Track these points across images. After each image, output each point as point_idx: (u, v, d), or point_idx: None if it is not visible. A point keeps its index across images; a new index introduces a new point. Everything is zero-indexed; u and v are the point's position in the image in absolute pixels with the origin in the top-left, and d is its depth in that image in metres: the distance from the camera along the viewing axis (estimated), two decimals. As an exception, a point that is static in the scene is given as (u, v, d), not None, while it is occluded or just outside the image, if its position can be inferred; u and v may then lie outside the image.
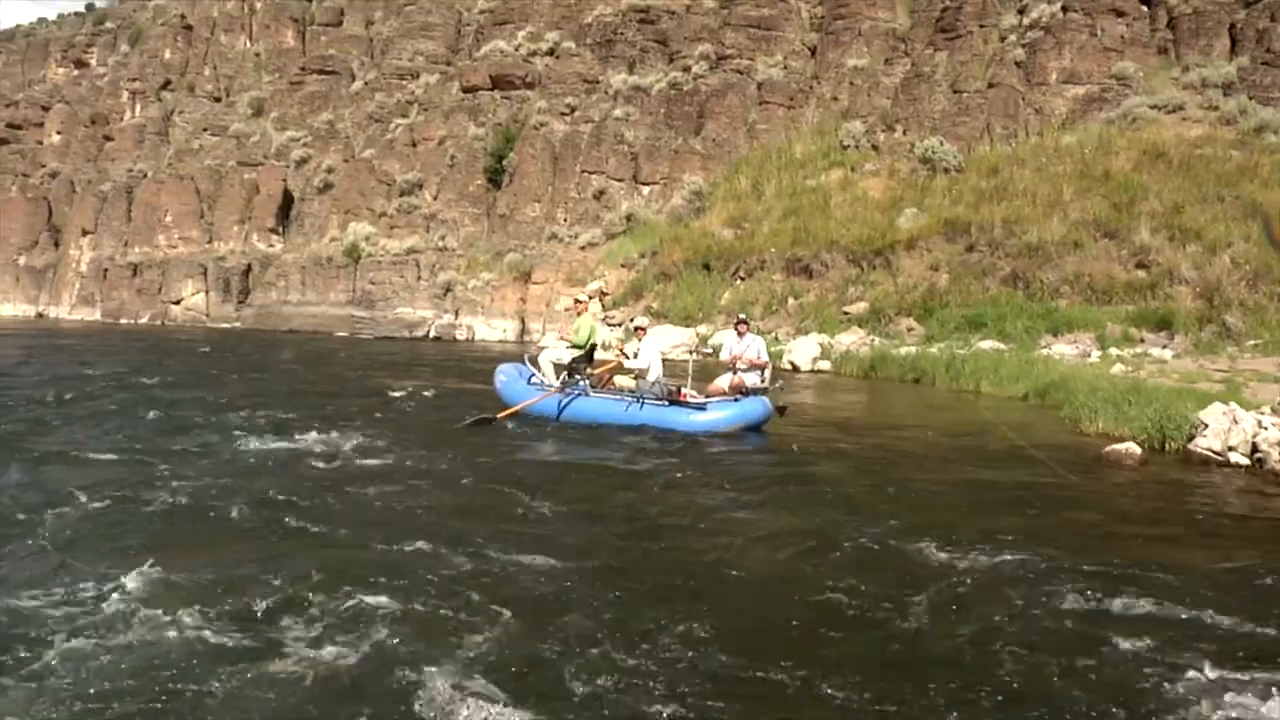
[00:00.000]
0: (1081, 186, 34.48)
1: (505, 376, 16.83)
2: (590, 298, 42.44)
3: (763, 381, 16.10)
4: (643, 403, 15.29)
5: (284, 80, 60.85)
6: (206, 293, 51.42)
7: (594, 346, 16.91)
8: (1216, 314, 28.04)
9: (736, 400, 15.41)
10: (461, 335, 44.32)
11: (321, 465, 11.54)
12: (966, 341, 29.51)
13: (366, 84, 58.08)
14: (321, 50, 60.78)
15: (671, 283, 39.83)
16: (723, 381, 16.11)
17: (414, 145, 52.57)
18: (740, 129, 47.47)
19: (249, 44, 63.56)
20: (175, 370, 24.09)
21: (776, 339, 33.45)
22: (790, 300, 35.75)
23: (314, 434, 13.35)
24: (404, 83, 56.52)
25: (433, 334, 44.75)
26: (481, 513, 9.31)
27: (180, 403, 17.14)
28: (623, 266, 43.40)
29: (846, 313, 33.72)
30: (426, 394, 20.06)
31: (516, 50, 53.50)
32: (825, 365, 29.51)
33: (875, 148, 43.17)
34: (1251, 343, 26.80)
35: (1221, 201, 32.08)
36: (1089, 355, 27.30)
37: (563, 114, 50.02)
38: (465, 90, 53.39)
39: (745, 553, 8.32)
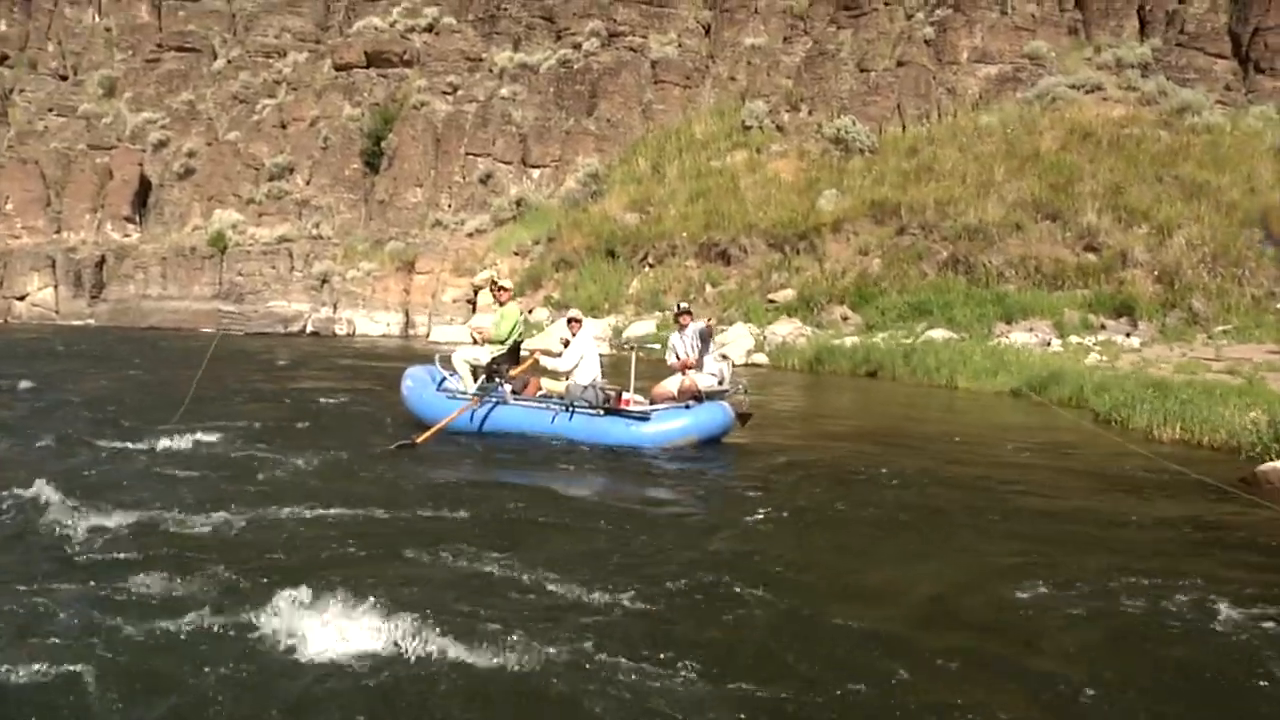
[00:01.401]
0: (1012, 167, 31.83)
1: (413, 382, 13.45)
2: (485, 288, 38.67)
3: (721, 383, 12.59)
4: (572, 412, 12.07)
5: (138, 58, 55.06)
6: (56, 287, 45.69)
7: (518, 344, 13.41)
8: (1179, 298, 25.54)
9: (688, 407, 12.11)
10: (342, 330, 39.99)
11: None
12: (911, 330, 26.60)
13: (230, 62, 52.86)
14: (179, 26, 55.11)
15: (573, 271, 36.23)
16: (671, 384, 12.57)
17: (283, 127, 47.81)
18: (635, 109, 43.94)
19: (97, 18, 57.39)
20: (19, 375, 19.58)
21: (697, 330, 30.01)
22: (709, 288, 32.34)
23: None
24: (270, 61, 51.56)
25: (310, 329, 40.30)
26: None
27: (44, 414, 13.01)
28: (516, 254, 39.67)
29: (772, 300, 30.45)
30: (340, 399, 16.29)
31: (392, 26, 49.02)
32: (761, 358, 26.25)
33: (780, 128, 40.04)
34: (1220, 328, 24.38)
35: (1160, 182, 29.76)
36: (1049, 343, 24.60)
37: (445, 93, 45.84)
38: (338, 68, 48.77)
39: None
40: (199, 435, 11.49)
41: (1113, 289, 26.61)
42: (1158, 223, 27.72)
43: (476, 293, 39.08)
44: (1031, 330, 25.42)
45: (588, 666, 4.92)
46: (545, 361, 12.85)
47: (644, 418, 11.85)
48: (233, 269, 43.31)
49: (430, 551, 6.86)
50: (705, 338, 12.56)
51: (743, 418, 12.58)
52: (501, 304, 13.50)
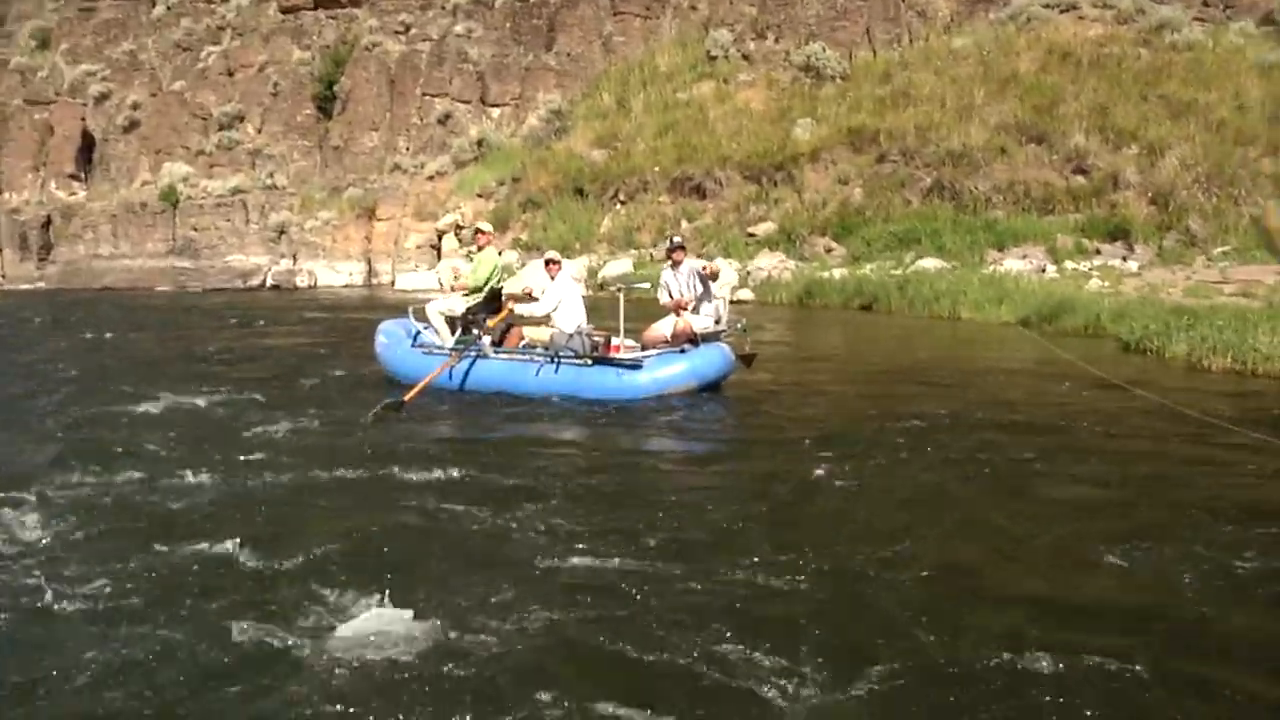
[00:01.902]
0: (991, 90, 30.66)
1: (386, 338, 12.44)
2: (450, 233, 37.26)
3: (718, 323, 11.50)
4: (558, 363, 11.03)
5: (72, 7, 52.46)
6: (0, 250, 43.76)
7: (498, 292, 12.30)
8: (1174, 220, 24.58)
9: (683, 351, 11.06)
10: (303, 282, 38.40)
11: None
12: (899, 261, 25.56)
13: (170, 9, 50.38)
14: (114, -28, 52.71)
15: (541, 211, 34.84)
16: (663, 327, 11.49)
17: (230, 74, 45.70)
18: (595, 42, 42.30)
19: (27, -34, 54.90)
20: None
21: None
22: (684, 223, 31.07)
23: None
24: (213, 6, 49.19)
25: (270, 282, 38.67)
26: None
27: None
28: (479, 197, 38.15)
29: (752, 234, 29.26)
30: (312, 357, 15.15)
31: (339, -35, 46.89)
32: (746, 294, 25.11)
33: (746, 57, 38.61)
34: (1219, 250, 23.46)
35: (1145, 101, 28.71)
36: (1044, 269, 23.63)
37: (397, 32, 43.98)
38: (284, 11, 46.69)
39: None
40: (177, 400, 10.87)
41: (1105, 212, 25.62)
42: (1147, 143, 26.69)
43: (441, 238, 37.77)
44: (1025, 257, 24.41)
45: (594, 640, 4.59)
46: (522, 308, 11.73)
47: (636, 365, 10.83)
48: (186, 224, 41.48)
49: (428, 518, 6.42)
50: (704, 280, 11.44)
51: (745, 359, 11.60)
52: (480, 248, 12.37)
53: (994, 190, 27.03)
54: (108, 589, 5.19)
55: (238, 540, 5.84)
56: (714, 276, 11.59)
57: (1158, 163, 26.02)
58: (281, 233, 39.97)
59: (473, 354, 11.42)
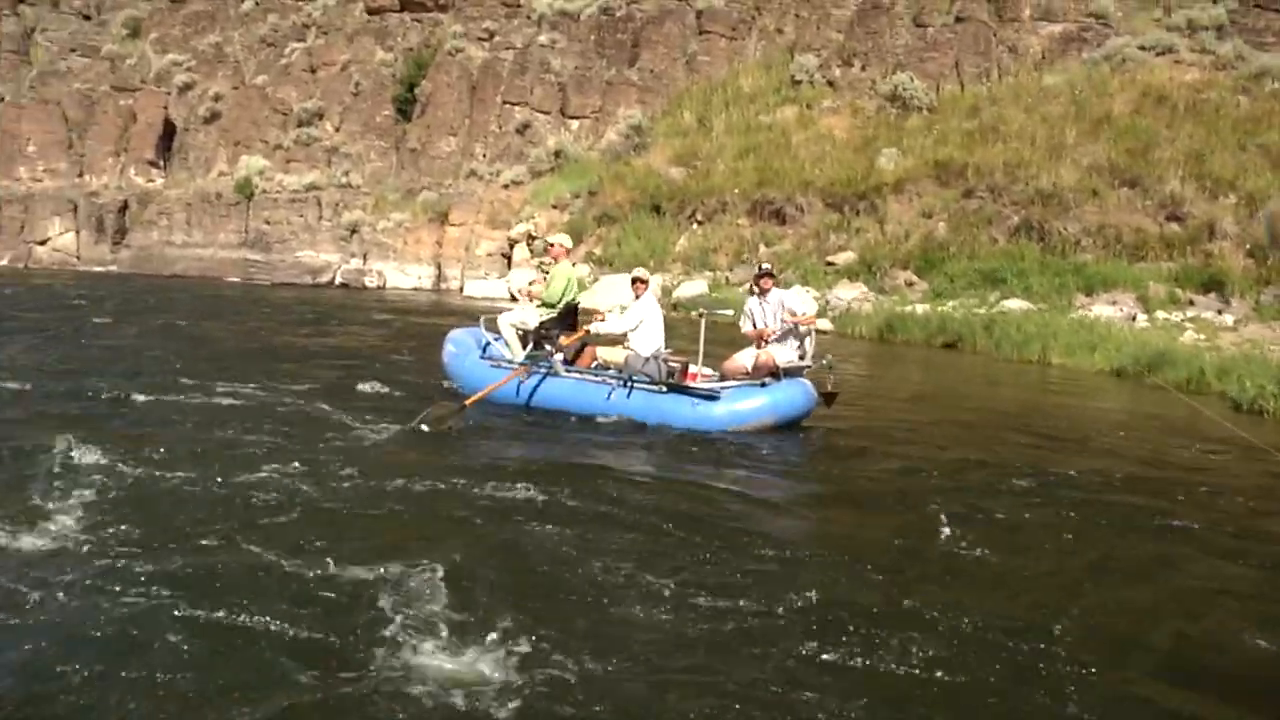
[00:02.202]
0: (1083, 130, 29.79)
1: (455, 347, 11.98)
2: (522, 242, 36.87)
3: (802, 357, 10.89)
4: (630, 387, 10.51)
5: (164, -2, 53.06)
6: (77, 232, 43.80)
7: (574, 307, 11.81)
8: (1274, 275, 23.58)
9: (764, 385, 10.51)
10: (371, 282, 38.19)
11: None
12: (984, 300, 24.78)
13: (258, 4, 50.57)
14: (206, -35, 53.04)
15: (615, 226, 34.34)
16: (744, 358, 10.90)
17: (313, 71, 45.72)
18: (679, 60, 41.82)
19: (123, -45, 55.37)
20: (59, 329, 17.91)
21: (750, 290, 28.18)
22: (762, 248, 30.45)
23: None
24: (300, 3, 49.29)
25: (339, 280, 38.53)
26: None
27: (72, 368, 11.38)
28: (554, 208, 37.77)
29: (831, 263, 28.58)
30: (380, 359, 14.68)
31: (427, -31, 46.82)
32: (825, 325, 24.41)
33: (831, 84, 37.96)
34: (1321, 307, 22.42)
35: (1244, 150, 27.70)
36: (1134, 318, 22.78)
37: (480, 39, 43.73)
38: (370, 12, 46.65)
39: None
40: (240, 393, 10.78)
41: (1199, 262, 24.69)
42: (1246, 193, 25.74)
43: (513, 246, 37.41)
44: (1115, 303, 23.55)
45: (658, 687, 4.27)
46: (599, 327, 11.15)
47: (713, 396, 10.30)
48: (259, 217, 41.47)
49: (485, 540, 6.12)
50: (793, 320, 10.83)
51: (827, 398, 10.92)
52: (555, 260, 11.86)
53: (1084, 233, 26.18)
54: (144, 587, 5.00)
55: (298, 546, 5.68)
56: (807, 326, 11.00)
57: (1255, 214, 25.05)
58: (353, 231, 39.81)
59: (543, 370, 10.96)
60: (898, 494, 8.05)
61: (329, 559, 5.45)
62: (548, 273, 13.01)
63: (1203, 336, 20.70)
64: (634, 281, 11.47)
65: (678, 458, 9.10)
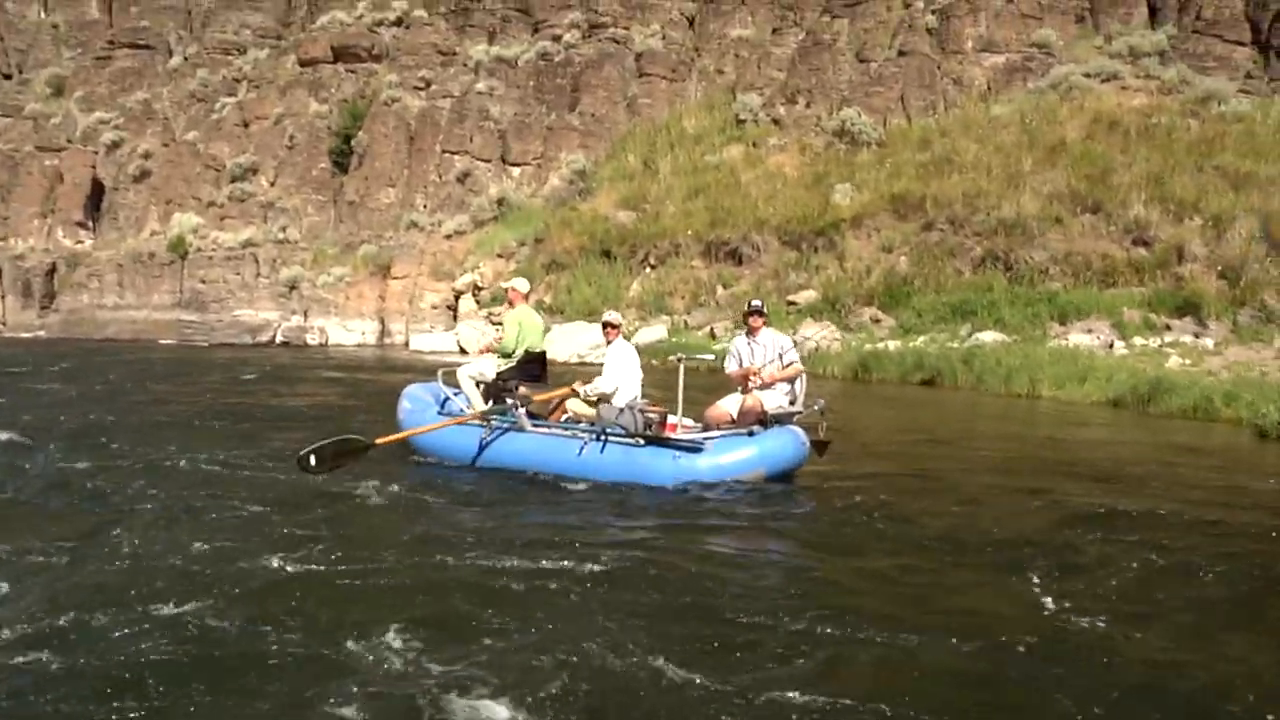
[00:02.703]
0: (1038, 158, 29.13)
1: (411, 404, 10.88)
2: (467, 293, 35.54)
3: (793, 402, 9.64)
4: (604, 441, 9.29)
5: (88, 55, 51.09)
6: (2, 297, 41.89)
7: (540, 356, 10.68)
8: (1247, 295, 22.89)
9: (751, 434, 9.23)
10: (313, 339, 36.60)
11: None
12: (954, 333, 23.88)
13: (186, 59, 49.13)
14: (132, 22, 51.18)
15: (565, 273, 33.13)
16: (729, 404, 9.67)
17: (245, 125, 44.23)
18: (619, 103, 40.92)
19: (44, 14, 53.47)
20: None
21: (712, 333, 27.08)
22: (720, 289, 29.37)
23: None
24: (230, 58, 47.81)
25: (279, 338, 36.88)
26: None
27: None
28: (499, 257, 36.47)
29: (793, 302, 27.53)
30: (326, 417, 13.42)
31: (359, 20, 45.59)
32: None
33: (776, 121, 37.18)
34: (1301, 328, 21.71)
35: (1201, 171, 27.16)
36: (1111, 345, 21.93)
37: (417, 88, 42.45)
38: (303, 64, 45.25)
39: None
40: (171, 457, 9.89)
41: (1170, 285, 23.98)
42: (1210, 215, 25.11)
43: (458, 298, 36.11)
44: (1090, 331, 22.72)
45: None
46: (584, 390, 10.00)
47: (696, 448, 9.05)
48: (194, 276, 39.74)
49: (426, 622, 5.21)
50: (782, 356, 9.68)
51: (820, 446, 9.60)
52: (511, 305, 10.77)
53: (1050, 261, 25.40)
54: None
55: (236, 620, 5.17)
56: (795, 375, 9.77)
57: (1224, 235, 24.43)
58: (292, 288, 38.24)
59: (504, 426, 9.77)
60: (936, 549, 6.90)
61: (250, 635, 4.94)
62: (501, 323, 11.90)
63: (1188, 361, 19.90)
64: (605, 327, 10.30)
65: (657, 517, 7.98)
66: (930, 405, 18.07)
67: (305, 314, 37.61)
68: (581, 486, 9.03)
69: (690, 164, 35.80)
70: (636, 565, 6.36)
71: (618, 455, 9.17)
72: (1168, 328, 22.69)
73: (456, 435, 9.86)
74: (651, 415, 9.46)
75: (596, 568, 6.25)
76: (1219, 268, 23.61)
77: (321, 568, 6.17)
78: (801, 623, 5.27)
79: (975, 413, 16.82)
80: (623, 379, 9.87)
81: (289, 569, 6.10)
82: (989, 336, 22.86)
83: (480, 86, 41.60)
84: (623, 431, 9.20)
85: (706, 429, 9.59)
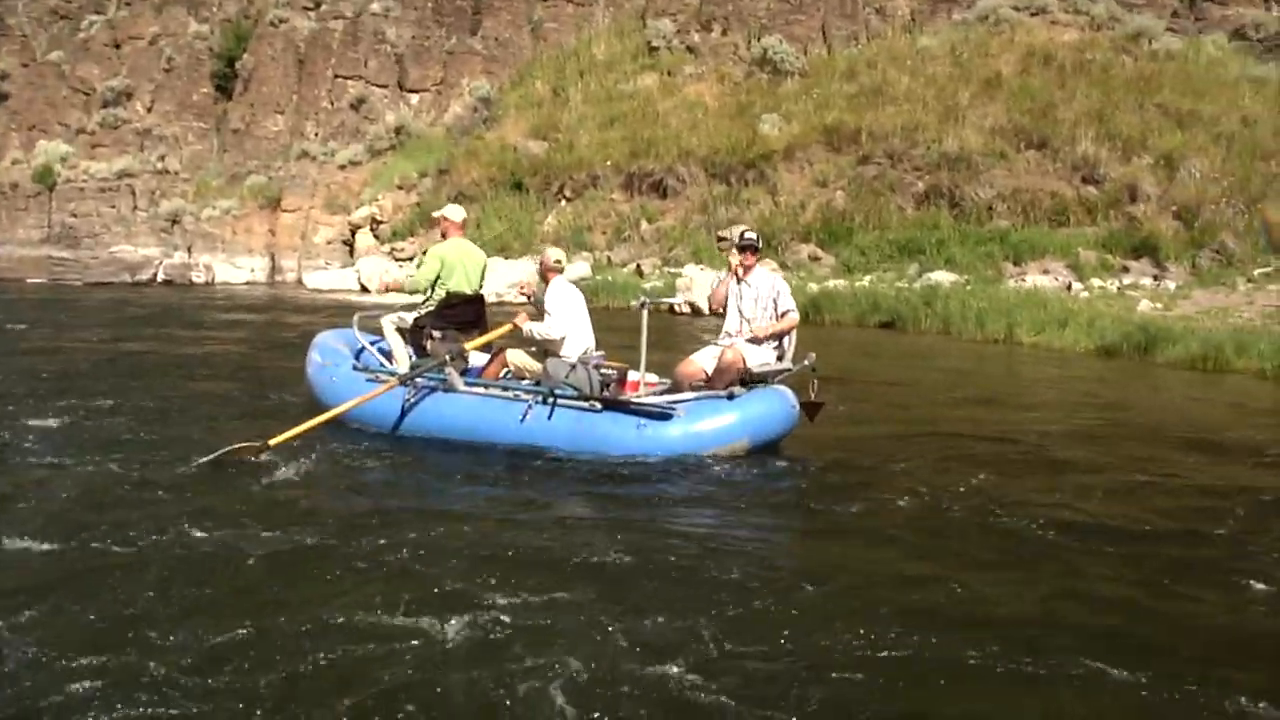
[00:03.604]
0: (974, 92, 27.60)
1: (322, 356, 8.89)
2: (365, 227, 32.92)
3: (780, 358, 7.84)
4: (554, 404, 7.47)
5: (-65, -34, 46.47)
6: None
7: (477, 299, 8.69)
8: (1204, 237, 21.75)
9: (732, 397, 7.39)
10: (199, 278, 33.43)
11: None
12: (901, 272, 22.32)
13: (46, -28, 44.76)
14: (-15, -69, 46.64)
15: (473, 207, 30.57)
16: (704, 359, 7.78)
17: (117, 46, 40.27)
18: (524, 28, 38.26)
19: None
20: None
21: (639, 271, 25.09)
22: (644, 224, 27.31)
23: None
24: (96, -30, 43.67)
25: (161, 277, 33.58)
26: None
27: None
28: (400, 189, 33.89)
29: (725, 238, 25.62)
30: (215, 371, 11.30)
31: (241, -67, 41.87)
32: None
33: (691, 49, 34.99)
34: (1261, 270, 20.62)
35: (1143, 109, 25.97)
36: (1070, 287, 20.58)
37: (306, 8, 39.15)
38: (180, -20, 41.44)
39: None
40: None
41: (1123, 226, 22.76)
42: (1160, 153, 23.92)
43: (355, 233, 33.53)
44: (1047, 272, 21.38)
45: None
46: (530, 328, 7.96)
47: (665, 413, 7.26)
48: (64, 209, 36.10)
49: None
50: (776, 303, 7.87)
51: (810, 408, 7.63)
52: (444, 237, 8.75)
53: (997, 198, 23.95)
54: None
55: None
56: (787, 328, 7.95)
57: (1175, 175, 23.24)
58: (174, 222, 34.99)
59: (430, 385, 7.90)
60: (999, 547, 5.20)
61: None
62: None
63: (1159, 305, 18.59)
64: (543, 268, 8.33)
65: (616, 501, 6.31)
66: (907, 353, 16.30)
67: (189, 250, 34.43)
68: (526, 459, 7.18)
69: (603, 92, 33.51)
70: (591, 561, 4.95)
71: (569, 422, 7.37)
72: (1125, 269, 21.45)
73: (380, 399, 7.90)
74: (609, 372, 7.65)
75: (544, 563, 4.90)
76: (1174, 208, 22.42)
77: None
78: (802, 625, 4.19)
79: (951, 362, 15.10)
80: (571, 326, 7.91)
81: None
82: (942, 276, 21.31)
83: (375, 7, 38.45)
84: (575, 393, 7.39)
85: (676, 389, 7.74)
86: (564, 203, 29.46)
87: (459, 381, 7.81)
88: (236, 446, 6.80)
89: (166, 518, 5.48)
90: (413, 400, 7.88)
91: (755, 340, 7.71)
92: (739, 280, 7.95)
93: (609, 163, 28.97)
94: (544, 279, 8.25)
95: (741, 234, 8.30)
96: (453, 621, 4.12)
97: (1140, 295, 19.51)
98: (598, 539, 5.31)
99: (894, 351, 16.52)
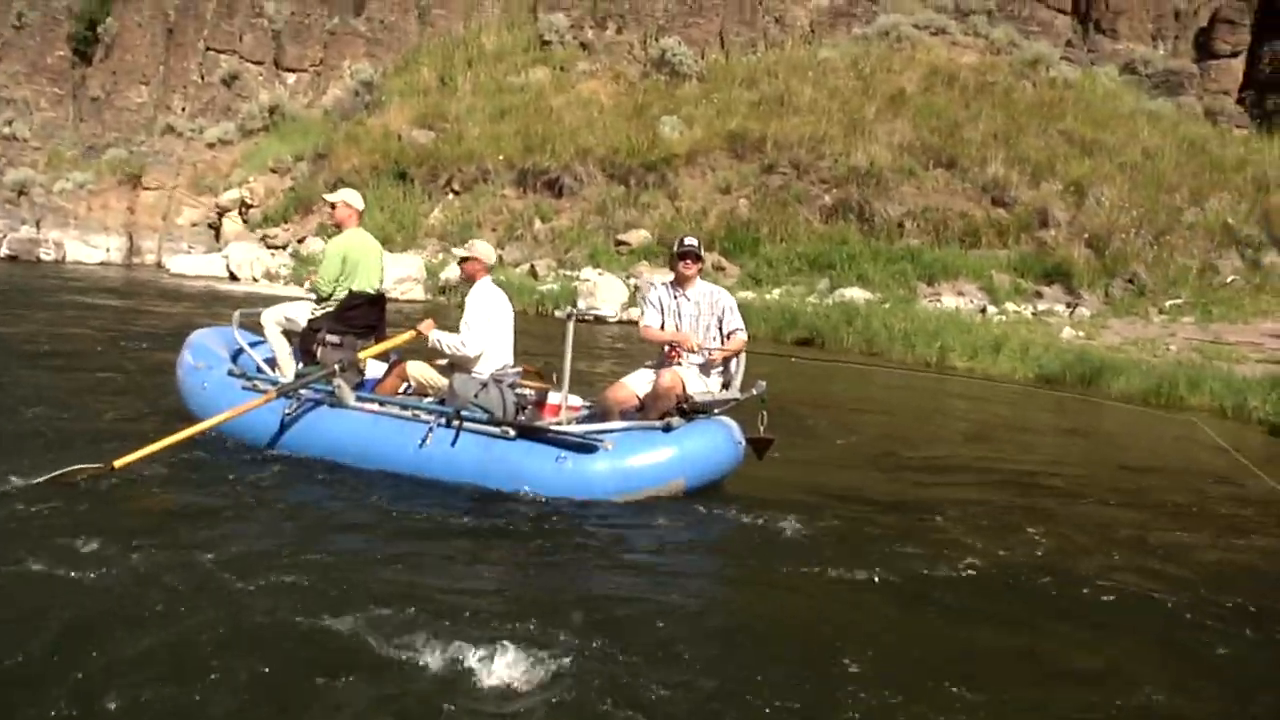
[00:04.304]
0: (879, 107, 26.75)
1: (195, 357, 7.34)
2: (233, 211, 30.64)
3: (726, 385, 6.51)
4: (459, 429, 6.10)
5: None
6: None
7: (378, 299, 7.24)
8: (1115, 266, 21.21)
9: (669, 429, 6.11)
10: (48, 255, 30.63)
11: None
12: (811, 286, 21.21)
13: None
14: None
15: (354, 195, 28.60)
16: (636, 383, 6.44)
17: (-36, 0, 37.00)
18: (410, 12, 36.46)
19: None
20: None
21: (534, 272, 23.50)
22: (538, 223, 25.67)
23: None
24: (-57, -82, 40.09)
25: (5, 251, 30.65)
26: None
27: None
28: (273, 172, 31.71)
29: (623, 242, 24.18)
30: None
31: (108, -109, 38.85)
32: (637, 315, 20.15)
33: (584, 46, 33.55)
34: (1171, 302, 20.14)
35: (1046, 134, 25.51)
36: (985, 310, 19.73)
37: (178, -25, 36.50)
38: (37, -65, 38.23)
39: None
40: None
41: (1033, 249, 22.11)
42: (1069, 180, 23.41)
43: (222, 216, 31.17)
44: (961, 294, 20.53)
45: None
46: (441, 338, 6.53)
47: (589, 445, 5.93)
48: (-104, 174, 32.85)
49: None
50: (721, 322, 6.57)
51: (758, 445, 6.26)
52: (339, 227, 7.32)
53: (906, 215, 23.07)
54: None
55: None
56: (735, 349, 6.53)
57: (1084, 202, 22.73)
58: (22, 193, 32.03)
59: (316, 398, 6.52)
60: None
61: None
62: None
63: (1081, 333, 17.85)
64: (463, 261, 6.91)
65: (522, 547, 5.10)
66: (837, 375, 15.14)
67: (38, 225, 31.50)
68: (422, 489, 5.88)
69: (493, 84, 31.78)
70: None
71: (476, 449, 6.01)
72: (1039, 294, 20.75)
73: (258, 411, 6.48)
74: (526, 393, 6.44)
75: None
76: (1085, 235, 21.84)
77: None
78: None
79: (901, 389, 14.01)
80: (489, 339, 6.51)
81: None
82: (855, 293, 20.24)
83: (252, -20, 36.07)
84: (485, 415, 6.07)
85: (603, 417, 6.41)
86: (451, 196, 27.65)
87: (350, 396, 6.40)
88: (74, 468, 5.42)
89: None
90: (294, 414, 6.50)
91: (705, 364, 6.35)
92: (675, 294, 6.62)
93: (501, 157, 27.26)
94: (470, 279, 6.79)
95: (680, 240, 6.73)
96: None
97: (1057, 321, 18.81)
98: (490, 594, 4.29)
99: (820, 374, 15.29)
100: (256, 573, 4.23)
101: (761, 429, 6.19)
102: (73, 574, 4.11)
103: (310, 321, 7.06)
